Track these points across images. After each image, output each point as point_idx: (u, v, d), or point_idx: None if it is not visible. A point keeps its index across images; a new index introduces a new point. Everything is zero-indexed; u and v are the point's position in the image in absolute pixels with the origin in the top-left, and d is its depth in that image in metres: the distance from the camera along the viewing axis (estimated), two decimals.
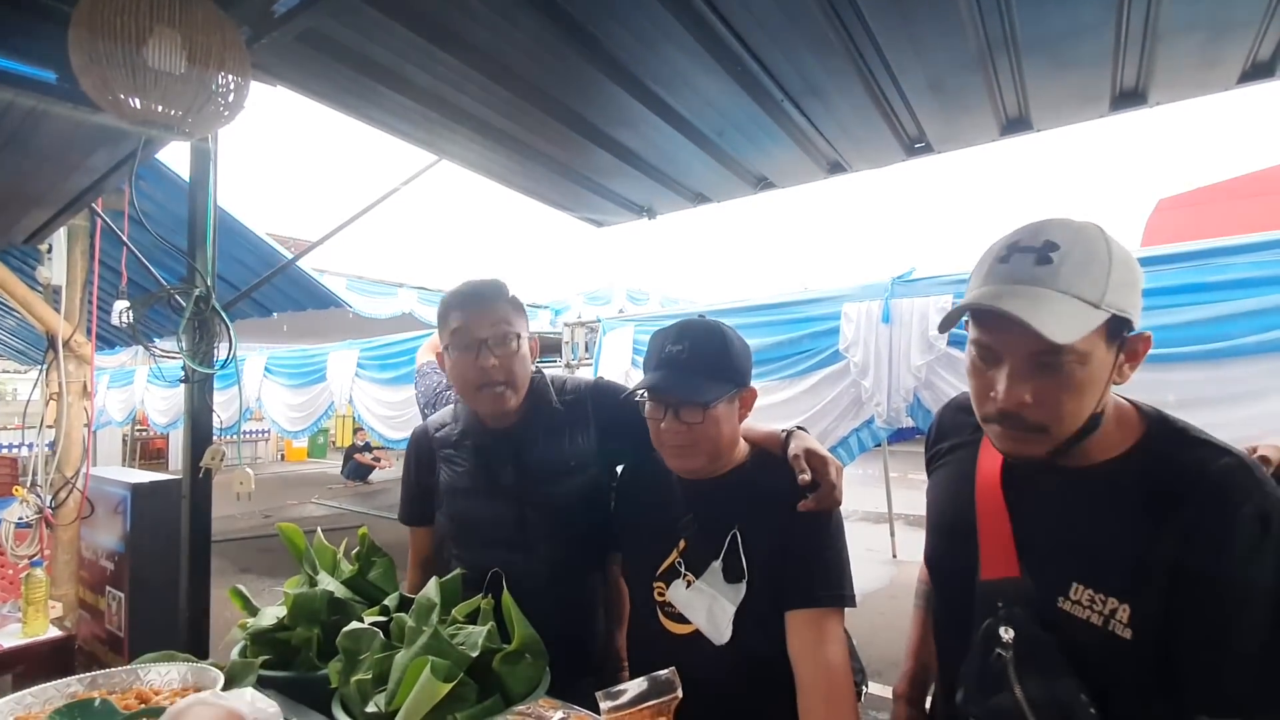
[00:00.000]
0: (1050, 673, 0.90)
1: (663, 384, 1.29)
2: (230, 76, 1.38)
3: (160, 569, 2.59)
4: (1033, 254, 0.91)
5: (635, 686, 1.09)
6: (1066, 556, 0.94)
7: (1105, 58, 1.60)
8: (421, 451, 1.67)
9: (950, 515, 1.13)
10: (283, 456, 18.93)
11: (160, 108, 1.42)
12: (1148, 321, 2.15)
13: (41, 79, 1.60)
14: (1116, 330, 0.90)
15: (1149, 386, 2.06)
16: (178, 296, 1.73)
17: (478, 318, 1.48)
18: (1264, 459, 1.03)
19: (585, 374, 3.49)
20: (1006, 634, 0.94)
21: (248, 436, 17.23)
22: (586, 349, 3.93)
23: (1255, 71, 1.66)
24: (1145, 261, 2.11)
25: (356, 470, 13.46)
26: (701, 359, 1.30)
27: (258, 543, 7.86)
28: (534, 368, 1.60)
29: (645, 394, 1.33)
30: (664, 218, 2.84)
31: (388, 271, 8.35)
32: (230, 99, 1.38)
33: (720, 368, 1.31)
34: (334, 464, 15.98)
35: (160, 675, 1.35)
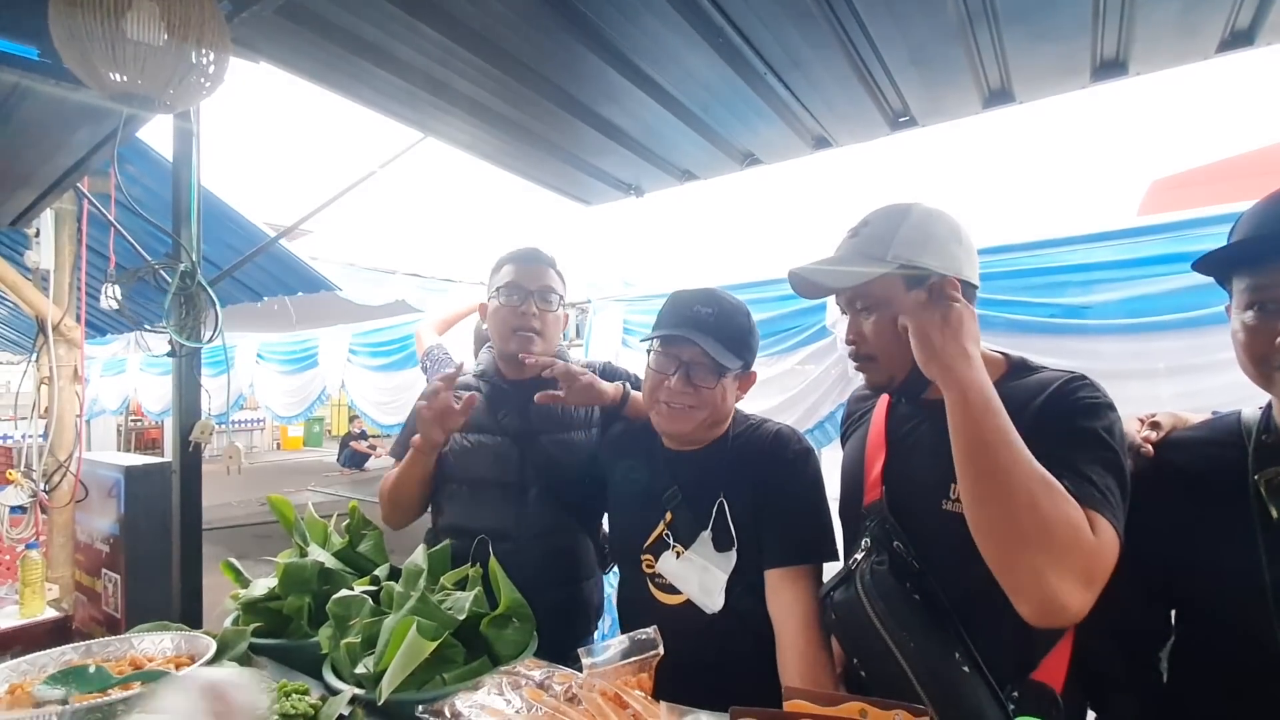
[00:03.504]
0: (889, 570, 1.07)
1: (690, 334, 1.30)
2: (210, 50, 1.38)
3: (155, 551, 2.61)
4: (851, 233, 1.19)
5: (617, 644, 1.12)
6: (943, 465, 1.05)
7: (1084, 27, 1.60)
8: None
9: (850, 466, 1.30)
10: (278, 445, 18.94)
11: (141, 81, 1.42)
12: (1134, 291, 2.16)
13: (23, 55, 1.59)
14: (917, 278, 1.10)
15: (1137, 355, 2.09)
16: (163, 272, 1.74)
17: (529, 272, 1.63)
18: (1156, 424, 1.11)
19: (576, 355, 3.50)
20: (865, 543, 1.14)
21: (243, 425, 17.22)
22: (578, 332, 3.94)
23: (1234, 40, 1.66)
24: (1130, 233, 2.13)
25: (353, 458, 13.49)
26: (727, 328, 1.33)
27: (253, 529, 7.90)
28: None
29: (660, 343, 1.35)
30: (653, 197, 2.84)
31: (382, 259, 8.31)
32: (211, 71, 1.38)
33: (740, 342, 1.34)
34: (330, 452, 16.00)
35: (154, 644, 1.37)
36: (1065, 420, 1.01)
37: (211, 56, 1.39)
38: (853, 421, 1.40)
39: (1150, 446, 1.07)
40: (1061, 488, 0.90)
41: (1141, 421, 1.14)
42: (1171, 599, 1.03)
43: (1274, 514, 0.90)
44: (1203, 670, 1.01)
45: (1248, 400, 1.04)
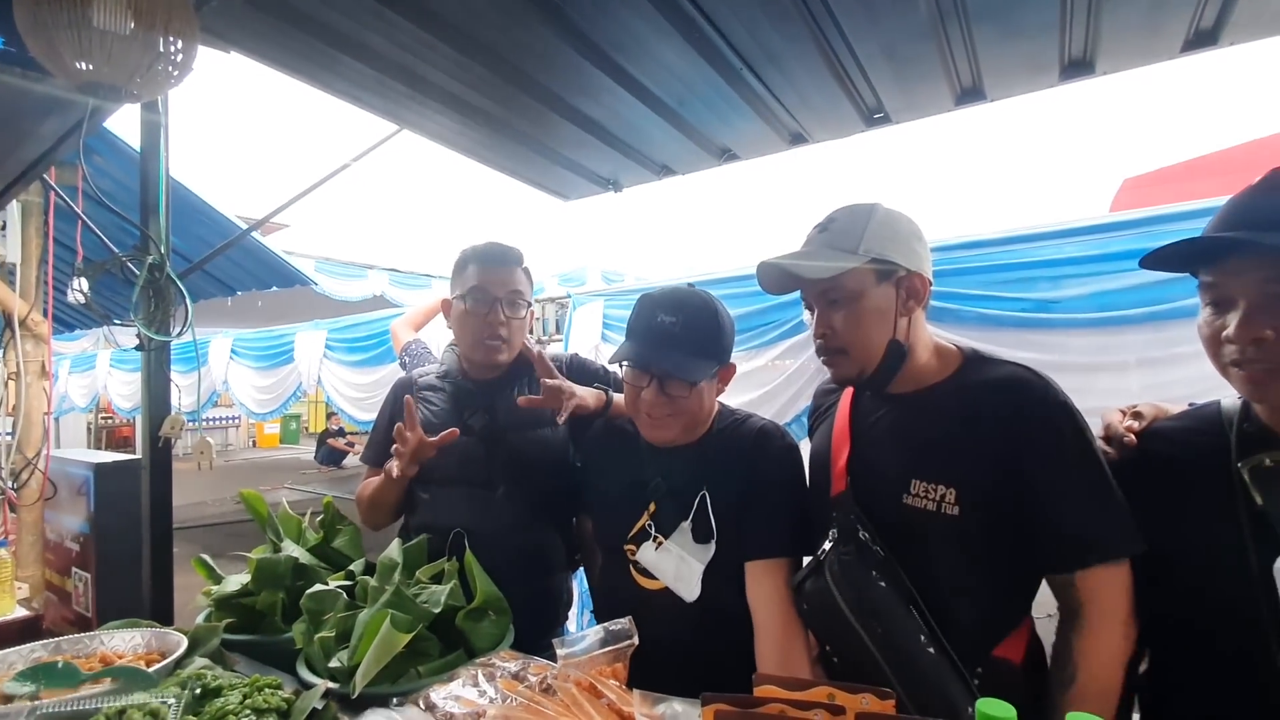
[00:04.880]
0: (856, 560, 1.12)
1: (653, 358, 1.31)
2: (178, 39, 1.36)
3: (126, 549, 2.56)
4: (819, 228, 1.22)
5: (592, 634, 1.12)
6: (905, 461, 1.15)
7: (1052, 26, 1.63)
8: (402, 396, 1.70)
9: (817, 458, 1.33)
10: (254, 443, 18.68)
11: (107, 70, 1.40)
12: (1095, 287, 2.20)
13: None
14: (885, 272, 1.15)
15: (1104, 349, 2.13)
16: (130, 264, 1.71)
17: (496, 277, 1.58)
18: (1138, 414, 1.14)
19: (556, 349, 3.50)
20: (832, 534, 1.17)
21: (217, 423, 16.95)
22: (557, 327, 3.94)
23: (1198, 39, 1.70)
24: (1097, 229, 2.18)
25: (330, 455, 13.35)
26: (693, 336, 1.31)
27: (228, 528, 7.79)
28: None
29: (628, 364, 1.34)
30: (632, 192, 2.84)
31: (359, 254, 8.23)
32: (179, 60, 1.36)
33: (709, 345, 1.33)
34: (307, 450, 15.82)
35: (124, 641, 1.36)
36: (1056, 449, 1.07)
37: (179, 45, 1.36)
38: (819, 414, 1.43)
39: (1134, 436, 1.09)
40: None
41: (1124, 412, 1.16)
42: (1157, 585, 1.05)
43: (1258, 500, 0.93)
44: (1188, 653, 1.03)
45: (1214, 392, 1.07)
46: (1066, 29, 1.64)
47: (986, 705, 0.71)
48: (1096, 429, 1.15)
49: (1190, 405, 1.14)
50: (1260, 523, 0.92)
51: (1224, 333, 0.92)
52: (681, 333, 1.30)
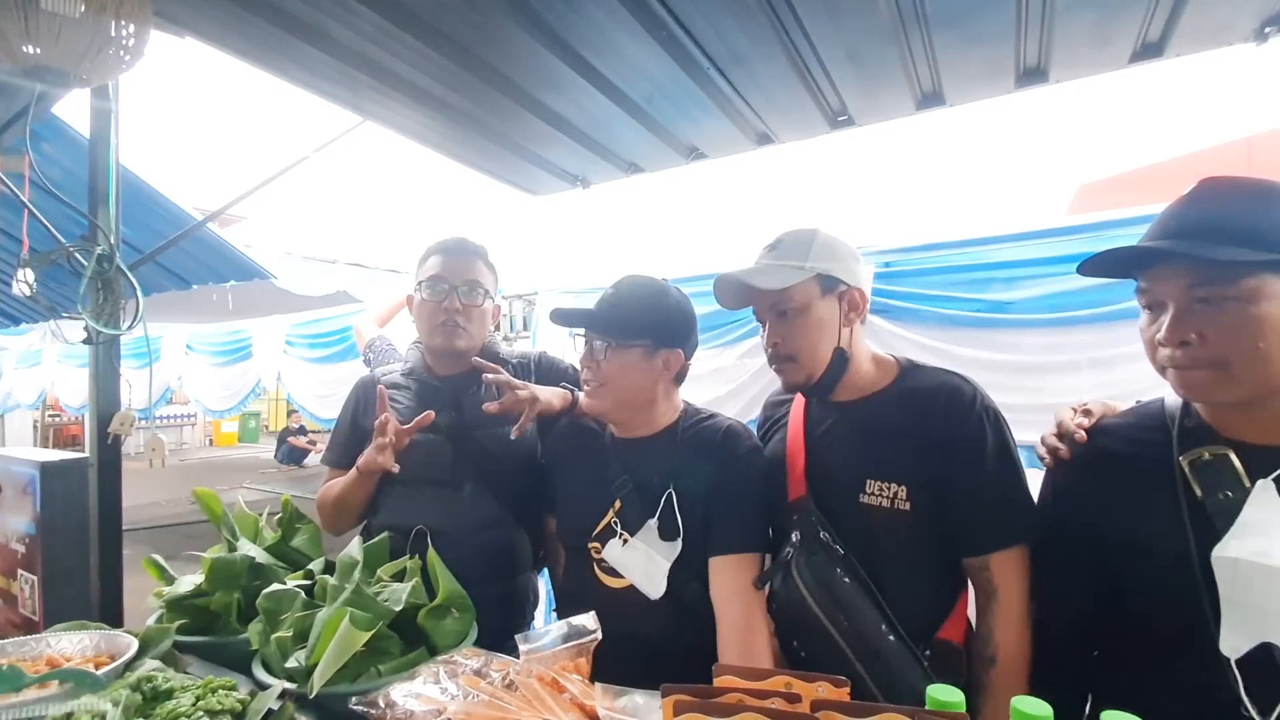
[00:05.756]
0: (821, 560, 1.22)
1: (583, 314, 1.40)
2: (130, 22, 1.32)
3: (74, 550, 2.47)
4: (768, 248, 1.33)
5: (555, 630, 1.12)
6: (859, 463, 1.26)
7: (1008, 35, 1.68)
8: (365, 394, 1.67)
9: (774, 465, 1.39)
10: (211, 442, 18.15)
11: (55, 53, 1.35)
12: (1047, 289, 2.27)
13: None
14: (829, 286, 1.28)
15: (1056, 348, 2.20)
16: (78, 255, 1.65)
17: (455, 265, 1.59)
18: (1088, 411, 1.19)
19: (523, 347, 3.47)
20: (795, 537, 1.26)
21: (172, 421, 16.44)
22: (525, 324, 3.91)
23: (1145, 51, 1.77)
24: (1050, 233, 2.24)
25: (291, 454, 13.05)
26: (625, 301, 1.38)
27: (183, 529, 7.56)
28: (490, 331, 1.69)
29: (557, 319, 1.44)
30: (601, 189, 2.84)
31: (323, 248, 8.04)
32: (130, 45, 1.32)
33: (641, 317, 1.37)
34: (267, 449, 15.44)
35: (72, 643, 1.31)
36: (978, 448, 1.20)
37: (131, 29, 1.33)
38: (771, 425, 1.50)
39: (1084, 433, 1.14)
40: None
41: (1075, 410, 1.22)
42: (1104, 574, 1.10)
43: (1197, 491, 0.97)
44: (1132, 638, 1.07)
45: (1159, 389, 1.11)
46: (1021, 38, 1.69)
47: (937, 691, 0.74)
48: (1050, 425, 1.20)
49: (1137, 403, 1.19)
50: (1199, 513, 0.96)
51: (1157, 336, 0.96)
52: (614, 301, 1.39)
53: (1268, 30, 1.65)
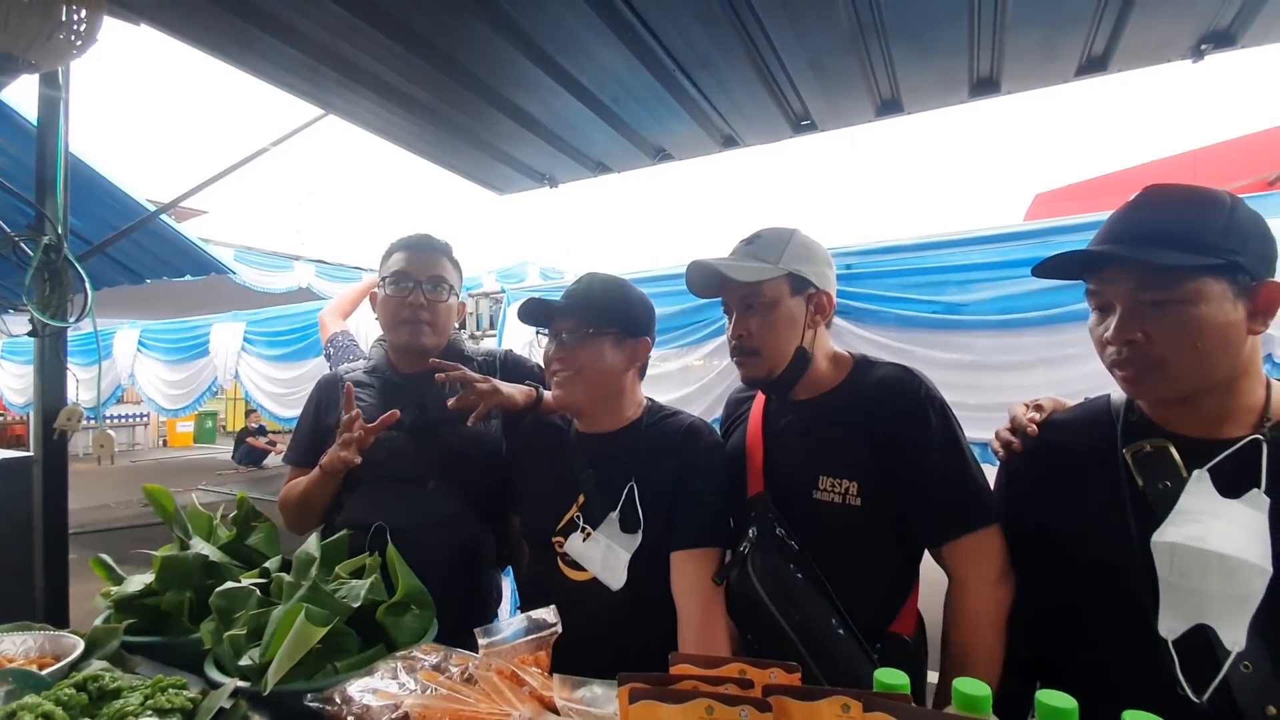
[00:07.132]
0: (775, 555, 1.25)
1: (553, 304, 1.41)
2: (81, 7, 1.28)
3: (18, 550, 2.39)
4: (745, 242, 1.36)
5: (515, 624, 1.13)
6: (813, 460, 1.30)
7: (961, 47, 1.74)
8: (328, 392, 1.65)
9: (733, 462, 1.42)
10: (165, 442, 17.59)
11: (2, 37, 1.31)
12: (998, 292, 2.35)
13: None
14: (799, 287, 1.31)
15: (1007, 349, 2.28)
16: (24, 245, 1.59)
17: (419, 260, 1.58)
18: (1039, 407, 1.25)
19: (490, 345, 3.45)
20: (752, 532, 1.28)
21: (123, 420, 15.89)
22: (491, 323, 3.89)
23: (1090, 65, 1.85)
24: (1002, 238, 2.32)
25: (249, 455, 12.70)
26: (592, 294, 1.41)
27: (134, 532, 7.31)
28: (455, 328, 1.69)
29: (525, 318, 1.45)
30: (568, 188, 2.85)
31: (284, 244, 7.88)
32: (82, 30, 1.29)
33: (609, 309, 1.40)
34: (224, 449, 15.03)
35: (14, 644, 1.27)
36: (927, 438, 1.23)
37: (83, 14, 1.29)
38: (732, 422, 1.54)
39: (1035, 427, 1.19)
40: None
41: (1027, 405, 1.27)
42: (1053, 560, 1.15)
43: (1139, 481, 1.02)
44: (1080, 622, 1.11)
45: (1107, 387, 1.17)
46: (974, 50, 1.75)
47: (883, 674, 0.76)
48: (1004, 422, 1.27)
49: (1086, 399, 1.24)
50: (1141, 501, 1.01)
51: (1105, 335, 1.01)
52: (582, 295, 1.41)
53: (1204, 48, 1.74)
